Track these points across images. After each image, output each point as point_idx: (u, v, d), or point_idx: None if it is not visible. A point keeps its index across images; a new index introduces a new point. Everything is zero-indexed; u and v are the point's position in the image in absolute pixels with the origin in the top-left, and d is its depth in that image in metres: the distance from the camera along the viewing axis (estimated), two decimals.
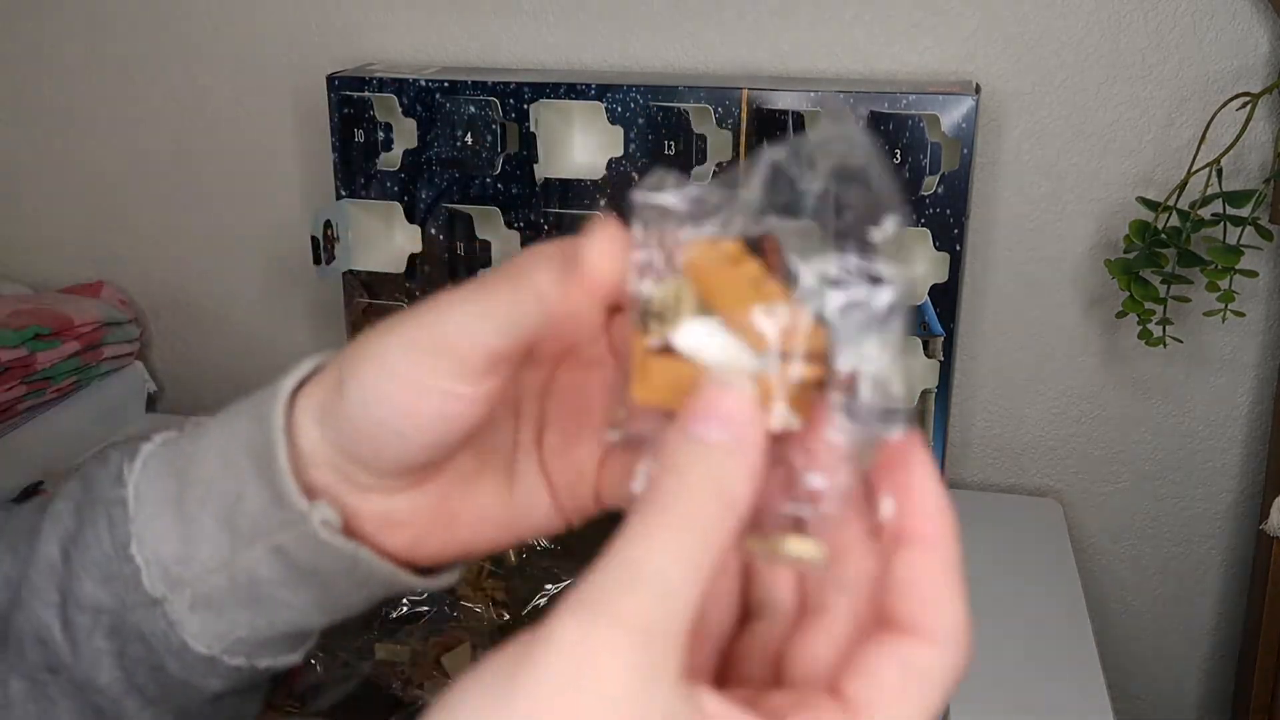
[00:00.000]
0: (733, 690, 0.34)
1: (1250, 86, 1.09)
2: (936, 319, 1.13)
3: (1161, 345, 1.10)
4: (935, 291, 1.12)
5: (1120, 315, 1.12)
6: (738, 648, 0.38)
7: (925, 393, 1.16)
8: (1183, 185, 1.08)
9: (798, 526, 0.34)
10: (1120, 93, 1.16)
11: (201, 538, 0.44)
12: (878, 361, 0.34)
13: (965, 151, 1.08)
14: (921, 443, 0.35)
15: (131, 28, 1.36)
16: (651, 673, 0.29)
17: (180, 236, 1.43)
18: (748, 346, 0.34)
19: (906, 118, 1.08)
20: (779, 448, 0.35)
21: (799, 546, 0.34)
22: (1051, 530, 1.21)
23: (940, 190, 1.09)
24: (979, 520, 1.21)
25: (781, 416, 0.34)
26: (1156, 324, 1.10)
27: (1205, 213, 1.08)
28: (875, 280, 0.33)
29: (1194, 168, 1.08)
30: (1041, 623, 1.06)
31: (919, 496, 0.34)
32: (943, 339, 1.14)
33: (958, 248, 1.11)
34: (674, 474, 0.32)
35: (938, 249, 1.11)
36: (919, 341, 1.16)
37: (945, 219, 1.10)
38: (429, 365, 0.39)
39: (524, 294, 0.39)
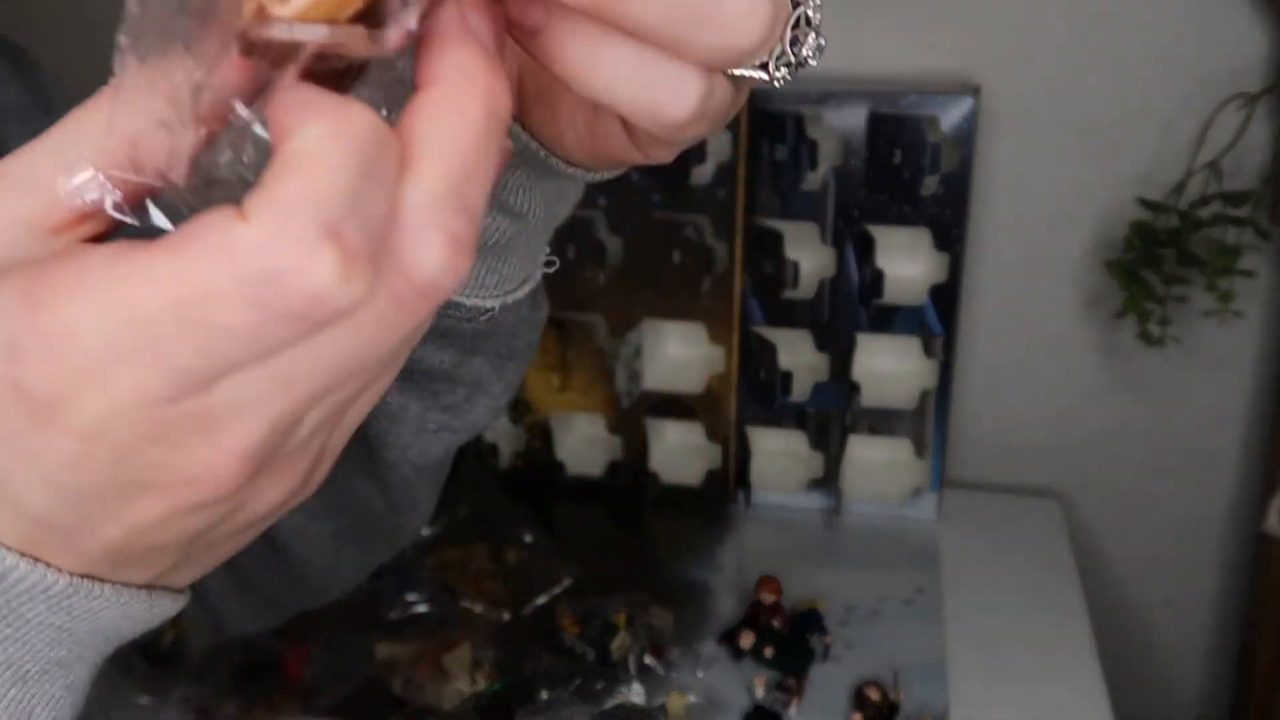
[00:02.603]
0: None
1: (1250, 87, 1.09)
2: (937, 319, 1.13)
3: (1161, 345, 1.10)
4: (935, 291, 1.12)
5: (1120, 315, 1.12)
6: None
7: (925, 393, 1.16)
8: (1182, 185, 1.08)
9: None
10: (1120, 93, 1.16)
11: None
12: None
13: (965, 151, 1.08)
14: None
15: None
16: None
17: None
18: None
19: (906, 118, 1.08)
20: None
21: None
22: (1051, 530, 1.21)
23: (940, 190, 1.09)
24: (979, 520, 1.22)
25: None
26: (1156, 324, 1.10)
27: (1204, 213, 1.08)
28: None
29: (1193, 168, 1.08)
30: (1041, 622, 1.06)
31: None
32: (943, 339, 1.14)
33: (958, 248, 1.11)
34: None
35: (938, 249, 1.11)
36: (919, 341, 1.16)
37: (945, 219, 1.10)
38: None
39: None
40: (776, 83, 0.32)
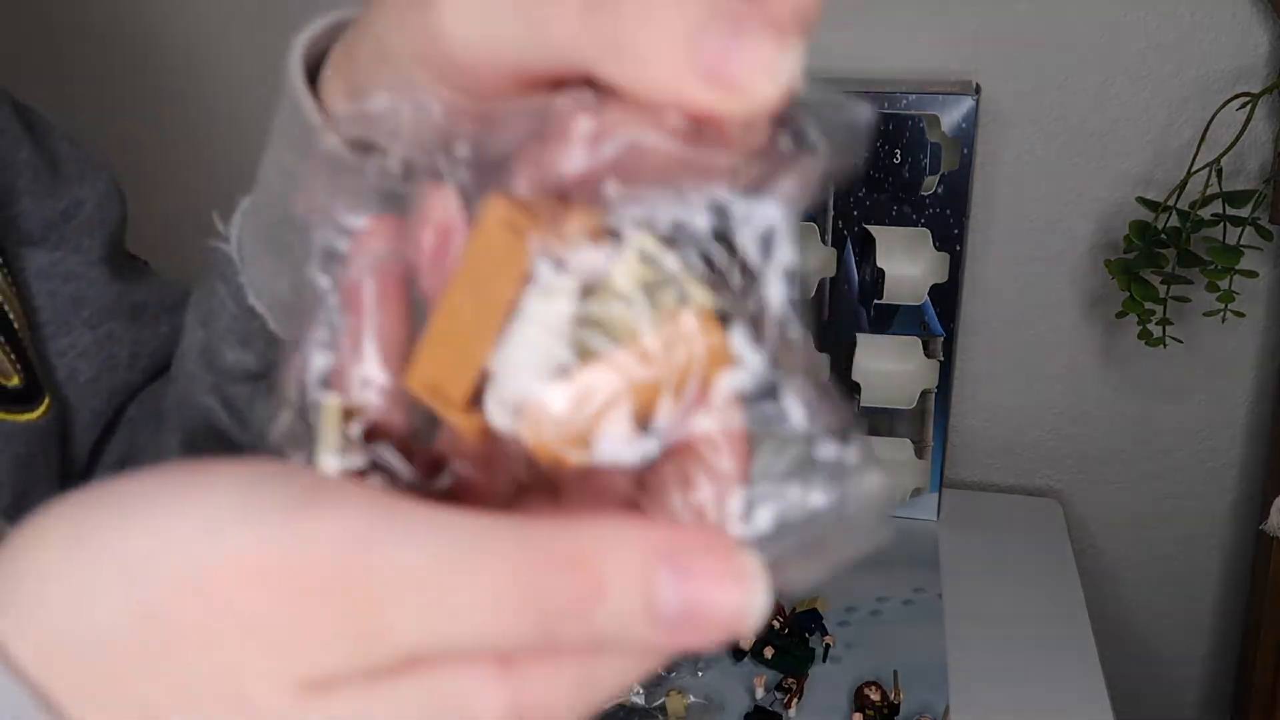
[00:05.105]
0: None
1: (1250, 86, 1.09)
2: (936, 319, 1.13)
3: (1161, 345, 1.10)
4: (935, 291, 1.12)
5: (1120, 315, 1.12)
6: None
7: (925, 393, 1.16)
8: (1183, 185, 1.08)
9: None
10: (1120, 93, 1.16)
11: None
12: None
13: (965, 151, 1.08)
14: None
15: (130, 30, 1.36)
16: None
17: (179, 238, 1.43)
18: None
19: (906, 118, 1.08)
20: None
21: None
22: (1051, 530, 1.21)
23: (940, 190, 1.09)
24: (979, 520, 1.22)
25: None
26: (1156, 324, 1.10)
27: (1205, 213, 1.08)
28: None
29: (1194, 168, 1.08)
30: (1041, 622, 1.06)
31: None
32: (943, 339, 1.14)
33: (958, 248, 1.11)
34: None
35: (938, 249, 1.11)
36: (919, 341, 1.16)
37: (945, 219, 1.10)
38: (430, 80, 0.30)
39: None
40: None
